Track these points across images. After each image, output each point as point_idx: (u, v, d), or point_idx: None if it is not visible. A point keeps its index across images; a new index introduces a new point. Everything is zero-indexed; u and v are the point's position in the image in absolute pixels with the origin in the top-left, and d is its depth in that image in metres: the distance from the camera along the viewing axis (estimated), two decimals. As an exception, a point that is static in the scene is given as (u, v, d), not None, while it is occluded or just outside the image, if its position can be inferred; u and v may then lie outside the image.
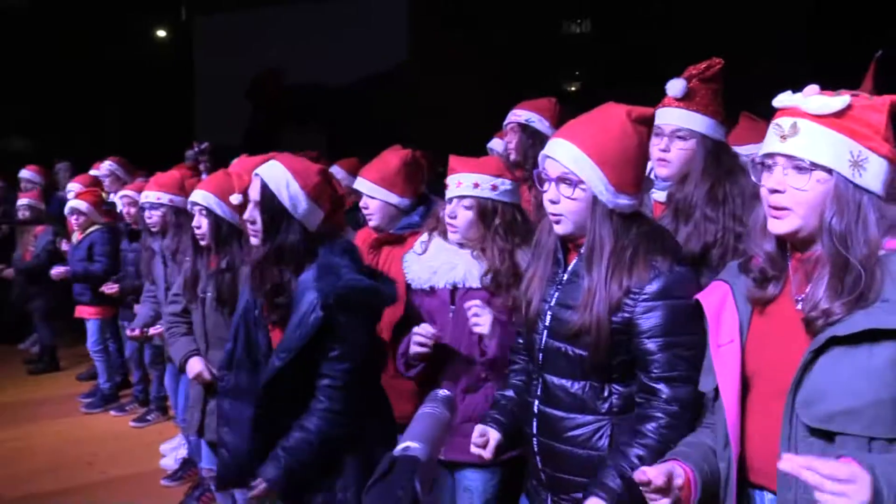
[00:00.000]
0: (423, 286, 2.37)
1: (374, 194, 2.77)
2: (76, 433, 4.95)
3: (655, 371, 1.62)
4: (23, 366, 6.44)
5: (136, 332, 3.93)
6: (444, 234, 2.37)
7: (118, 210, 5.14)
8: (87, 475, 4.28)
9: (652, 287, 1.62)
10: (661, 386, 1.62)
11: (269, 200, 2.07)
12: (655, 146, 2.11)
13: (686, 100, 2.11)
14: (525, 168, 3.17)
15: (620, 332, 1.65)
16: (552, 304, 1.75)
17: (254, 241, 2.16)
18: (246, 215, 2.15)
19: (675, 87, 2.10)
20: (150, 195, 3.69)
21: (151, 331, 3.83)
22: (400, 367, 2.34)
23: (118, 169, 5.74)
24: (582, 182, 1.65)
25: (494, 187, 2.29)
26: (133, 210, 4.67)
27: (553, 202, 1.70)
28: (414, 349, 2.22)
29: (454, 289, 2.32)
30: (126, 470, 4.35)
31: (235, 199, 2.77)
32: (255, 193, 2.11)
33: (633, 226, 1.68)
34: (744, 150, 2.96)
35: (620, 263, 1.64)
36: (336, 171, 5.86)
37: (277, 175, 2.08)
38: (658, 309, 1.62)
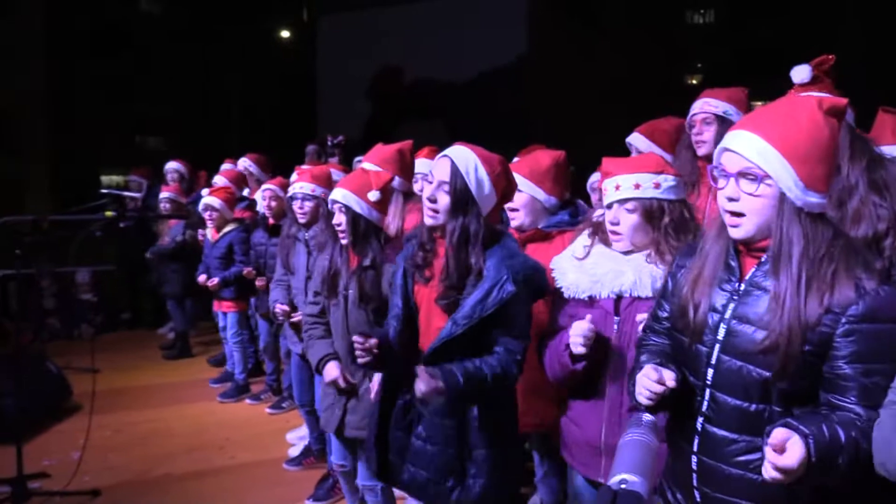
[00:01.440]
0: (581, 295, 2.19)
1: (522, 188, 2.72)
2: (209, 418, 5.16)
3: (851, 396, 1.45)
4: (159, 351, 6.80)
5: (285, 308, 3.99)
6: (605, 241, 2.22)
7: (255, 205, 5.34)
8: (219, 459, 4.44)
9: (857, 308, 1.45)
10: (857, 408, 1.44)
11: (457, 181, 2.14)
12: None
13: (812, 85, 2.05)
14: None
15: (813, 354, 1.48)
16: (727, 316, 1.59)
17: (428, 220, 2.21)
18: (427, 193, 2.20)
19: (800, 72, 2.07)
20: (305, 186, 3.78)
21: (294, 316, 3.91)
22: (563, 360, 2.18)
23: (252, 165, 5.92)
24: (768, 177, 1.48)
25: (657, 185, 2.11)
26: (274, 204, 4.78)
27: (732, 199, 1.54)
28: (575, 347, 2.08)
29: (619, 298, 2.15)
30: (254, 456, 4.48)
31: (374, 195, 2.80)
32: (443, 174, 2.17)
33: (823, 229, 1.51)
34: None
35: (819, 276, 1.48)
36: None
37: (467, 158, 2.17)
38: (862, 332, 1.44)
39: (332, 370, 2.86)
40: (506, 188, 2.25)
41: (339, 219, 2.86)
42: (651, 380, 1.59)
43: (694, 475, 1.65)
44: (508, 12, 20.34)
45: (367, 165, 3.46)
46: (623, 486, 0.99)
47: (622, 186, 2.12)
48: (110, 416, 4.94)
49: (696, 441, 1.65)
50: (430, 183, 2.20)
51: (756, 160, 1.49)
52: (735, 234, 1.56)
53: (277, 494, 3.96)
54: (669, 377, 1.59)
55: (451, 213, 2.15)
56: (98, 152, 33.53)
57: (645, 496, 0.98)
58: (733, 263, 1.62)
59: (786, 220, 1.49)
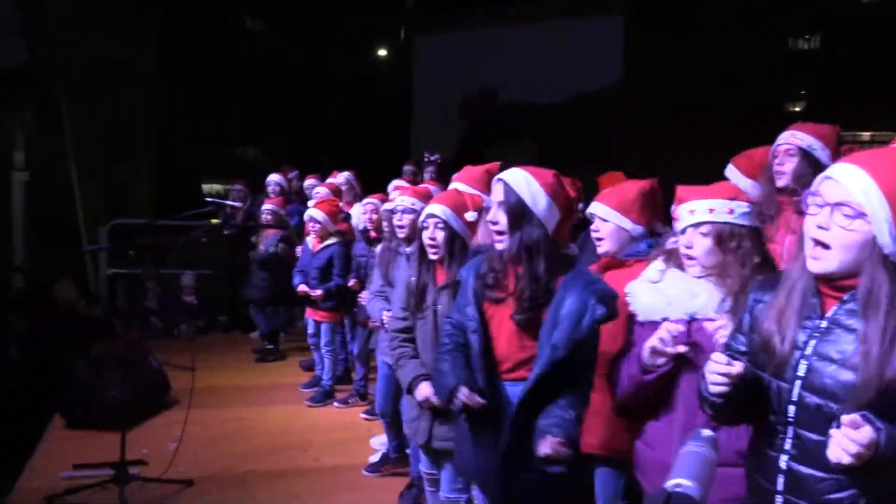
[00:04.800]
0: (654, 317, 2.23)
1: (609, 217, 2.77)
2: (296, 420, 5.37)
3: None
4: (252, 353, 7.10)
5: (378, 324, 4.18)
6: (679, 266, 2.25)
7: (352, 220, 5.59)
8: (302, 459, 4.63)
9: None
10: None
11: (511, 198, 2.23)
12: None
13: None
14: (795, 196, 2.95)
15: None
16: (807, 352, 1.59)
17: (498, 244, 2.29)
18: (489, 216, 2.32)
19: None
20: (406, 200, 3.91)
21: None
22: (633, 374, 2.20)
23: (353, 180, 6.20)
24: (864, 215, 1.48)
25: (731, 211, 2.15)
26: (375, 217, 5.01)
27: (822, 228, 1.53)
28: (658, 346, 2.09)
29: (691, 321, 2.17)
30: (337, 459, 4.63)
31: (471, 216, 2.86)
32: (498, 195, 2.28)
33: None
34: None
35: None
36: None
37: (518, 176, 2.27)
38: None
39: (424, 389, 2.85)
40: (566, 201, 2.31)
41: (436, 234, 2.88)
42: (720, 363, 1.59)
43: None
44: (605, 38, 20.23)
45: (457, 185, 3.57)
46: (678, 489, 1.05)
47: (696, 211, 2.16)
48: (203, 412, 5.18)
49: (780, 480, 1.63)
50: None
51: (858, 196, 1.48)
52: (814, 266, 1.55)
53: (355, 499, 4.10)
54: (738, 364, 1.59)
55: (511, 229, 2.25)
56: (200, 162, 35.22)
57: (697, 499, 1.04)
58: (814, 300, 1.61)
59: (873, 263, 1.48)
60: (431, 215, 2.91)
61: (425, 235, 2.94)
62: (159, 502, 3.94)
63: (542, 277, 2.22)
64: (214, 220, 3.81)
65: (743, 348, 1.78)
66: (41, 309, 7.18)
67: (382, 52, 35.12)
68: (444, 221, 2.88)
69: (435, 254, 2.91)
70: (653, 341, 2.10)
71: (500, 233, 2.29)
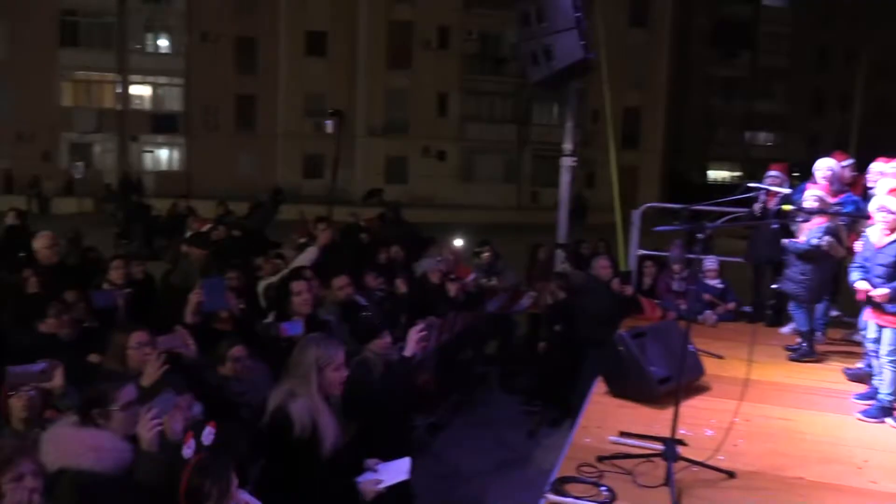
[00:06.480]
0: None
1: None
2: (847, 433, 4.86)
3: None
4: (781, 349, 6.68)
5: None
6: None
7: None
8: (856, 479, 4.15)
9: None
10: None
11: None
12: None
13: None
14: None
15: None
16: None
17: None
18: None
19: None
20: None
21: None
22: None
23: None
24: None
25: None
26: None
27: None
28: None
29: None
30: (898, 487, 4.06)
31: None
32: None
33: None
34: None
35: None
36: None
37: None
38: None
39: None
40: None
41: None
42: None
43: None
44: None
45: None
46: None
47: None
48: (742, 405, 5.05)
49: None
50: None
51: None
52: None
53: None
54: None
55: None
56: (706, 147, 35.22)
57: None
58: None
59: None
60: None
61: None
62: (702, 487, 3.93)
63: None
64: (787, 207, 3.58)
65: None
66: (576, 283, 7.91)
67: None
68: None
69: None
70: None
71: None
